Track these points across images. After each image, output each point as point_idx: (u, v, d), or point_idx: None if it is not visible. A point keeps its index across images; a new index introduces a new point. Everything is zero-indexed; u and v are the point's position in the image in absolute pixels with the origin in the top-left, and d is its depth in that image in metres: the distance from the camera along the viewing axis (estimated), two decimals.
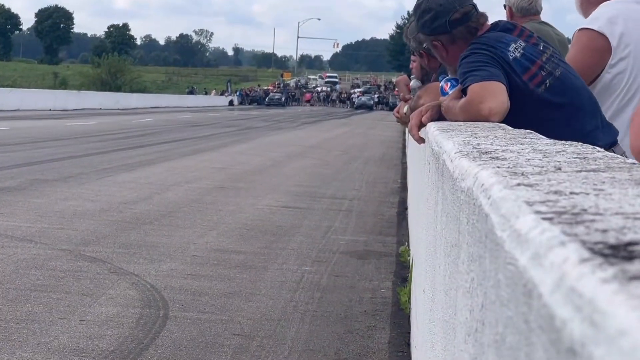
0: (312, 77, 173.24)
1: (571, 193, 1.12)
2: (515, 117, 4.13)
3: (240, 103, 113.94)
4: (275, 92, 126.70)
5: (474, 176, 1.49)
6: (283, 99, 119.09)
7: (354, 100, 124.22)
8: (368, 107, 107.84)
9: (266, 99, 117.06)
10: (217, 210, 13.66)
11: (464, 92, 4.45)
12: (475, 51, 4.45)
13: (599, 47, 5.15)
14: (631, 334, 0.49)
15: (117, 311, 7.39)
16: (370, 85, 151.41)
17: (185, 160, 23.22)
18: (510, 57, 4.36)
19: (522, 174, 1.36)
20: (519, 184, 1.21)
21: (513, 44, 4.41)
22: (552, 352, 0.65)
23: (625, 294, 0.56)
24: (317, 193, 17.13)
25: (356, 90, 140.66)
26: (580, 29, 5.31)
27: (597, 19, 5.17)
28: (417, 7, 4.91)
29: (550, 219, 0.88)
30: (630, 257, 0.67)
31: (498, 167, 1.51)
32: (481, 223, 1.26)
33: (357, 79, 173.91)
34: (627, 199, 1.06)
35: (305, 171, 22.24)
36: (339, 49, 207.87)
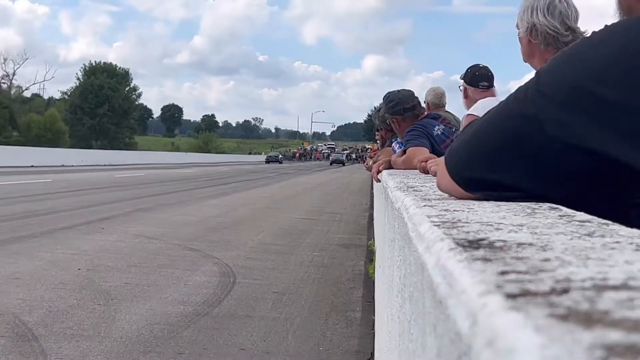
0: (320, 144, 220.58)
1: (454, 210, 1.42)
2: None
3: (275, 160, 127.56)
4: (299, 153, 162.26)
5: (401, 201, 1.92)
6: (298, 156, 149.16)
7: (330, 156, 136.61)
8: (341, 162, 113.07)
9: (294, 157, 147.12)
10: (264, 221, 17.81)
11: (405, 152, 5.94)
12: (415, 128, 5.92)
13: None
14: (467, 290, 0.65)
15: (206, 279, 9.60)
16: (352, 148, 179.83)
17: (246, 192, 31.71)
18: (434, 134, 5.83)
19: (429, 200, 1.75)
20: (425, 206, 1.55)
21: (437, 127, 5.88)
22: (433, 302, 0.84)
23: (469, 268, 0.74)
24: (322, 210, 22.97)
25: (335, 150, 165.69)
26: (468, 114, 6.09)
27: (477, 109, 5.79)
28: (386, 97, 6.59)
29: (438, 226, 1.13)
30: (477, 247, 0.88)
31: (415, 196, 1.97)
32: (402, 227, 1.61)
33: (345, 145, 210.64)
34: (485, 214, 1.35)
35: (316, 198, 30.35)
36: (335, 128, 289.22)
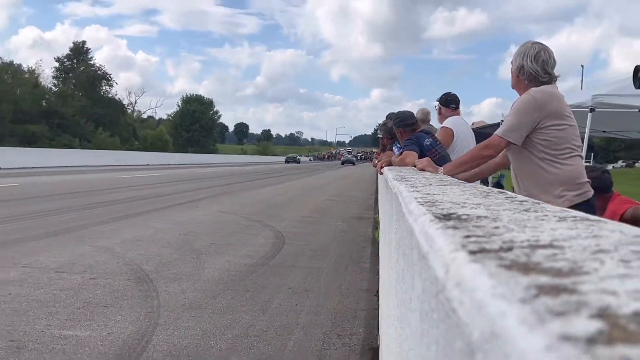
0: (341, 149, 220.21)
1: (433, 194, 1.42)
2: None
3: (314, 160, 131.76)
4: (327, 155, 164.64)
5: (397, 187, 1.91)
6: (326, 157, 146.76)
7: (342, 156, 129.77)
8: (351, 162, 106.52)
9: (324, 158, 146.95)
10: (303, 202, 17.36)
11: (401, 153, 5.94)
12: (410, 138, 5.88)
13: (450, 134, 6.41)
14: (442, 248, 0.67)
15: (265, 241, 9.52)
16: (363, 152, 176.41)
17: (289, 182, 30.72)
18: (424, 144, 5.73)
19: (416, 187, 1.74)
20: (413, 191, 1.55)
21: (427, 139, 5.78)
22: (418, 257, 0.86)
23: (444, 233, 0.75)
24: (341, 194, 22.57)
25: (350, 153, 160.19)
26: (442, 127, 6.64)
27: (448, 122, 6.52)
28: (395, 115, 6.60)
29: (422, 204, 1.12)
30: (449, 219, 0.88)
31: (407, 184, 1.97)
32: (397, 206, 1.62)
33: (358, 150, 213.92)
34: (455, 196, 1.35)
35: (339, 185, 30.10)
36: (351, 138, 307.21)
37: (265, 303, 5.66)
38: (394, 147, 7.17)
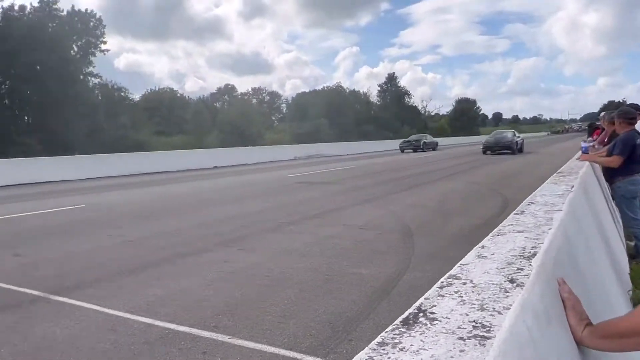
0: (572, 125, 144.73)
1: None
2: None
3: (551, 134, 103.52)
4: None
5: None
6: None
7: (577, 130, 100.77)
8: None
9: None
10: (530, 172, 13.06)
11: (610, 154, 4.95)
12: (625, 140, 4.84)
13: None
14: None
15: (496, 203, 7.27)
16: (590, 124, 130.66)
17: (535, 154, 23.40)
18: (637, 143, 4.80)
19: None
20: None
21: (638, 139, 4.83)
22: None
23: None
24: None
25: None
26: None
27: None
28: (618, 109, 5.27)
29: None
30: None
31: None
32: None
33: (585, 124, 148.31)
34: None
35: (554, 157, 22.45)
36: (581, 115, 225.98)
37: None
38: (582, 143, 6.18)
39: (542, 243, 1.22)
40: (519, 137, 28.55)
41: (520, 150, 27.60)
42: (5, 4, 44.33)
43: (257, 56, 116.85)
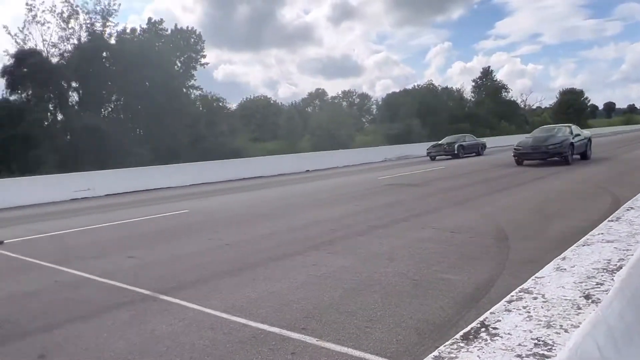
0: None
1: None
2: None
3: None
4: None
5: None
6: None
7: None
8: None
9: None
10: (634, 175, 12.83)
11: None
12: None
13: None
14: None
15: (605, 202, 6.56)
16: None
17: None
18: None
19: None
20: None
21: None
22: None
23: None
24: None
25: None
26: None
27: None
28: None
29: None
30: None
31: None
32: None
33: None
34: None
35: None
36: None
37: None
38: None
39: (633, 255, 1.12)
40: (579, 135, 18.25)
41: (584, 157, 18.26)
42: (120, 27, 49.06)
43: (347, 59, 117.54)
